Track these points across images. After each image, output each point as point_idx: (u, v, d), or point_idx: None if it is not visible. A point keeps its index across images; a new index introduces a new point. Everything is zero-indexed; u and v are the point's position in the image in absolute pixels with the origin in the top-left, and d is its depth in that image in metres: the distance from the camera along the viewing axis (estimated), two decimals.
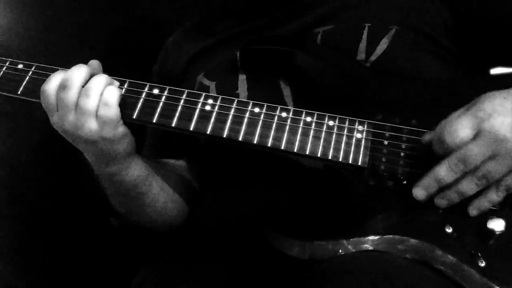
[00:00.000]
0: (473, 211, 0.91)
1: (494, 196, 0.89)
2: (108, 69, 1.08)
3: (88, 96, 0.98)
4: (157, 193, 1.18)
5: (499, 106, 0.86)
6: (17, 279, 1.44)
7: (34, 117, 1.45)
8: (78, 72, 1.00)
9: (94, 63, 1.06)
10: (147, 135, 1.37)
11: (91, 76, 1.01)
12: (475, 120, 0.86)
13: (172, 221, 1.25)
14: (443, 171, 0.88)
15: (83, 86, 0.99)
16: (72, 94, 0.98)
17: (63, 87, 0.99)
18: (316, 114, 1.00)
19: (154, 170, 1.18)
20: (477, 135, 0.86)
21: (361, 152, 0.98)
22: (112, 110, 0.99)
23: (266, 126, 1.00)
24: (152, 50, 1.41)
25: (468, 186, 0.89)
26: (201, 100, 1.02)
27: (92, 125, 0.98)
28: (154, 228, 1.26)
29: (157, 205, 1.19)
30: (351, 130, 0.99)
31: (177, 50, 1.34)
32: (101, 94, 0.99)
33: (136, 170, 1.11)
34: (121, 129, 1.02)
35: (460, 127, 0.86)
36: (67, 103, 0.98)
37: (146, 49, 1.45)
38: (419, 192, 0.91)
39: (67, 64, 1.06)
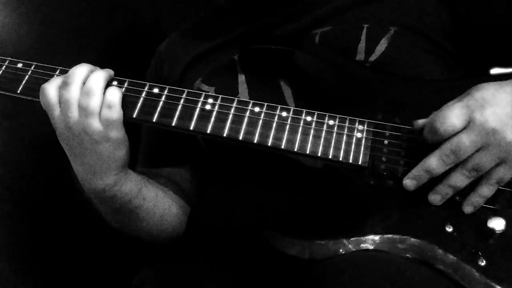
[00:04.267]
0: (467, 207, 0.92)
1: (486, 190, 0.90)
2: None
3: (89, 95, 0.98)
4: (152, 206, 1.16)
5: (491, 97, 0.86)
6: (17, 279, 1.44)
7: (34, 117, 1.45)
8: (79, 69, 1.00)
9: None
10: (141, 143, 1.35)
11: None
12: (467, 110, 0.86)
13: (170, 233, 1.24)
14: (434, 162, 0.89)
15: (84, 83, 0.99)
16: (73, 90, 0.98)
17: (64, 83, 0.99)
18: (316, 113, 1.00)
19: (148, 183, 1.17)
20: (468, 125, 0.86)
21: (362, 152, 0.98)
22: (116, 111, 0.99)
23: (267, 126, 1.00)
24: (149, 51, 1.41)
25: (459, 178, 0.89)
26: (201, 99, 1.02)
27: (96, 125, 0.98)
28: (152, 241, 1.24)
29: (153, 219, 1.17)
30: (351, 130, 0.99)
31: (172, 57, 1.33)
32: (103, 93, 0.99)
33: (129, 184, 1.09)
34: (124, 131, 1.02)
35: (452, 116, 0.87)
36: (69, 99, 0.98)
37: (145, 49, 1.44)
38: (409, 182, 0.92)
39: (66, 65, 1.06)
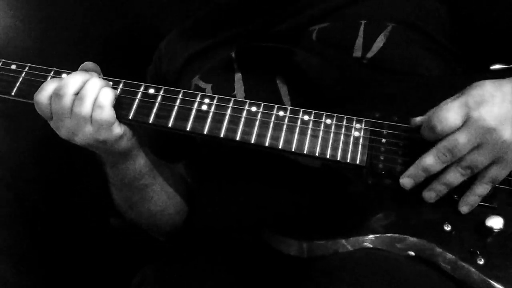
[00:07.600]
0: (463, 207, 0.92)
1: (481, 189, 0.90)
2: (104, 70, 1.08)
3: (82, 102, 0.98)
4: (160, 188, 1.19)
5: (489, 95, 0.86)
6: (17, 279, 1.44)
7: (34, 117, 1.45)
8: (72, 80, 1.00)
9: (89, 65, 1.06)
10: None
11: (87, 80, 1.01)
12: (464, 108, 0.86)
13: (171, 221, 1.25)
14: (430, 160, 0.89)
15: (77, 93, 0.99)
16: (64, 102, 0.98)
17: (56, 95, 0.99)
18: (313, 112, 1.00)
19: (159, 165, 1.19)
20: (465, 123, 0.86)
21: (359, 151, 0.97)
22: (106, 111, 0.99)
23: (264, 125, 1.00)
24: (148, 51, 1.41)
25: (453, 176, 0.89)
26: (198, 99, 1.02)
27: (87, 129, 0.99)
28: (152, 228, 1.26)
29: (159, 200, 1.19)
30: (349, 129, 0.99)
31: (171, 53, 1.33)
32: (96, 98, 0.99)
33: (141, 162, 1.12)
34: (117, 130, 1.02)
35: (450, 114, 0.86)
36: (60, 111, 0.99)
37: (142, 50, 1.44)
38: (406, 181, 0.92)
39: (63, 65, 1.06)
